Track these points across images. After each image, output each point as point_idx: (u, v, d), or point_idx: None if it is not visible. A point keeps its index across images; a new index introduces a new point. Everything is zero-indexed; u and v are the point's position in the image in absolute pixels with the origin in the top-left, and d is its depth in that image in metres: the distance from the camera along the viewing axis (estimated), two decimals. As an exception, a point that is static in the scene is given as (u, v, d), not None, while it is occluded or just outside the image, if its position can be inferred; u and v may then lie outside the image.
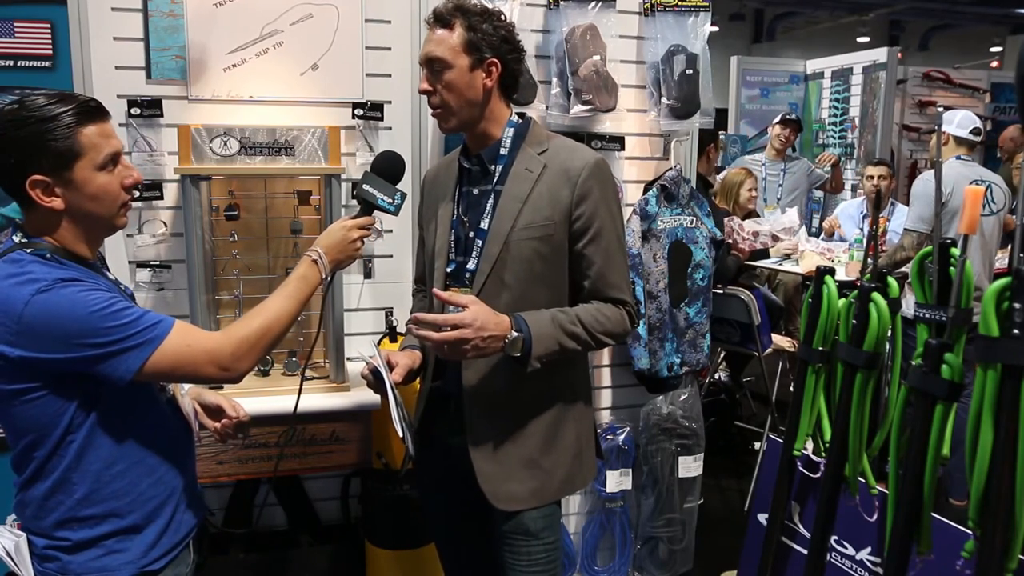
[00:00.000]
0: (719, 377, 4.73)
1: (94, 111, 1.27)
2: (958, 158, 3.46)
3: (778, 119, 5.07)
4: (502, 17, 1.60)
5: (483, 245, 1.60)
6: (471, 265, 1.62)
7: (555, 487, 1.67)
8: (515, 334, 1.49)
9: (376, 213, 1.64)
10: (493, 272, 1.59)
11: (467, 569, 1.88)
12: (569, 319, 1.55)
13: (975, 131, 3.49)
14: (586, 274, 1.61)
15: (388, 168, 1.66)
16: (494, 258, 1.58)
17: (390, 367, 1.61)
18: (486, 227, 1.61)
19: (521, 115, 1.68)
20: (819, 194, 5.69)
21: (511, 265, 1.58)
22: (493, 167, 1.63)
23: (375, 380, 1.64)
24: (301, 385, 1.72)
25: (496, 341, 1.48)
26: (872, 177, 4.57)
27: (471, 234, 1.64)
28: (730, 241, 3.66)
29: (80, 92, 2.11)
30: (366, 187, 1.61)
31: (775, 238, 4.11)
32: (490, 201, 1.62)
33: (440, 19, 1.56)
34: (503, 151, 1.63)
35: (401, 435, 1.56)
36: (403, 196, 1.64)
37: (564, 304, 1.63)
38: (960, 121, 3.47)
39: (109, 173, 1.29)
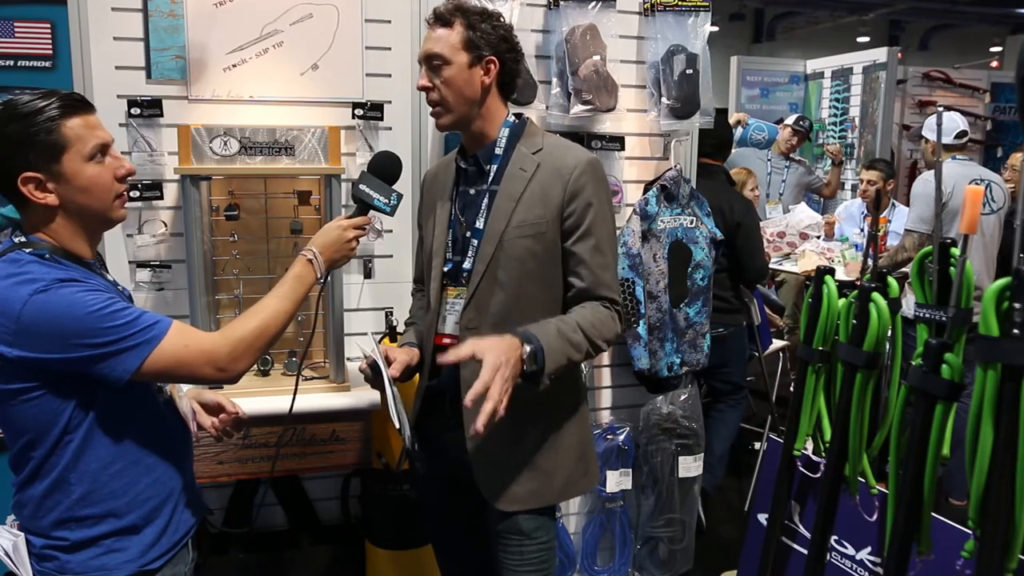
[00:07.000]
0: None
1: (77, 104, 1.28)
2: (953, 158, 3.47)
3: (792, 121, 5.12)
4: (501, 18, 1.62)
5: (478, 245, 1.61)
6: (467, 264, 1.63)
7: (556, 490, 1.68)
8: (528, 347, 1.44)
9: (375, 212, 1.64)
10: (488, 271, 1.59)
11: (461, 566, 1.88)
12: (571, 328, 1.53)
13: (959, 134, 3.54)
14: (576, 272, 1.61)
15: (384, 168, 1.66)
16: (488, 258, 1.59)
17: (388, 362, 1.63)
18: (481, 227, 1.62)
19: (518, 115, 1.68)
20: (820, 193, 5.71)
21: (504, 264, 1.59)
22: (488, 167, 1.64)
23: (373, 375, 1.65)
24: (297, 384, 1.74)
25: (515, 361, 1.40)
26: (863, 181, 4.59)
27: (467, 234, 1.65)
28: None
29: (80, 92, 2.11)
30: (362, 187, 1.62)
31: (804, 236, 4.12)
32: (485, 201, 1.63)
33: (440, 18, 1.58)
34: (498, 151, 1.64)
35: (398, 426, 1.56)
36: (399, 197, 1.65)
37: (559, 301, 1.64)
38: (944, 128, 3.48)
39: (99, 164, 1.29)
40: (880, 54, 5.80)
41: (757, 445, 3.92)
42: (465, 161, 1.68)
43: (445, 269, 1.67)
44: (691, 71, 2.51)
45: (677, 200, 2.61)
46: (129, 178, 1.36)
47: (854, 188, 5.73)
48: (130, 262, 2.31)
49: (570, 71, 2.41)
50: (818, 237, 4.51)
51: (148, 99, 2.25)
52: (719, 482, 3.42)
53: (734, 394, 3.41)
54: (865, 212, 4.66)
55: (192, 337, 1.31)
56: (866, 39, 12.73)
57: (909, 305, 3.01)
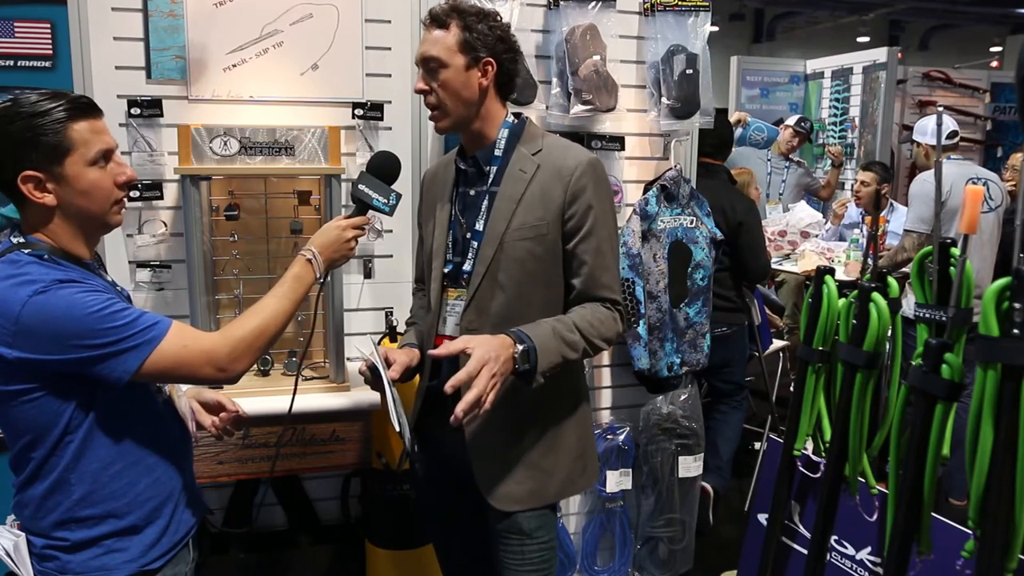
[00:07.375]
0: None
1: (85, 108, 1.28)
2: (948, 158, 3.47)
3: (794, 122, 5.14)
4: (498, 18, 1.60)
5: (478, 247, 1.61)
6: (467, 266, 1.63)
7: (554, 489, 1.67)
8: (520, 347, 1.45)
9: (375, 212, 1.64)
10: (488, 273, 1.59)
11: (461, 566, 1.88)
12: (567, 327, 1.54)
13: (951, 134, 3.59)
14: (577, 273, 1.61)
15: (383, 168, 1.66)
16: (488, 260, 1.59)
17: (388, 364, 1.62)
18: (481, 228, 1.62)
19: (517, 115, 1.68)
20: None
21: (505, 266, 1.58)
22: (488, 168, 1.64)
23: (373, 377, 1.65)
24: (296, 384, 1.74)
25: (507, 359, 1.43)
26: (856, 182, 4.60)
27: (467, 235, 1.64)
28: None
29: (80, 92, 2.11)
30: (361, 187, 1.62)
31: (804, 235, 4.14)
32: (485, 202, 1.62)
33: (436, 19, 1.56)
34: (498, 152, 1.63)
35: (399, 430, 1.56)
36: (398, 197, 1.65)
37: (560, 303, 1.63)
38: (934, 129, 3.49)
39: (101, 169, 1.29)
40: (880, 54, 5.80)
41: (757, 445, 3.92)
42: (464, 162, 1.67)
43: (445, 270, 1.67)
44: (691, 71, 2.51)
45: (677, 200, 2.61)
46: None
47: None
48: (130, 262, 2.31)
49: (570, 71, 2.41)
50: (817, 236, 4.53)
51: (148, 99, 2.24)
52: (727, 483, 3.44)
53: (736, 394, 3.43)
54: (864, 212, 4.67)
55: (192, 337, 1.31)
56: (866, 39, 12.73)
57: (909, 305, 3.01)
